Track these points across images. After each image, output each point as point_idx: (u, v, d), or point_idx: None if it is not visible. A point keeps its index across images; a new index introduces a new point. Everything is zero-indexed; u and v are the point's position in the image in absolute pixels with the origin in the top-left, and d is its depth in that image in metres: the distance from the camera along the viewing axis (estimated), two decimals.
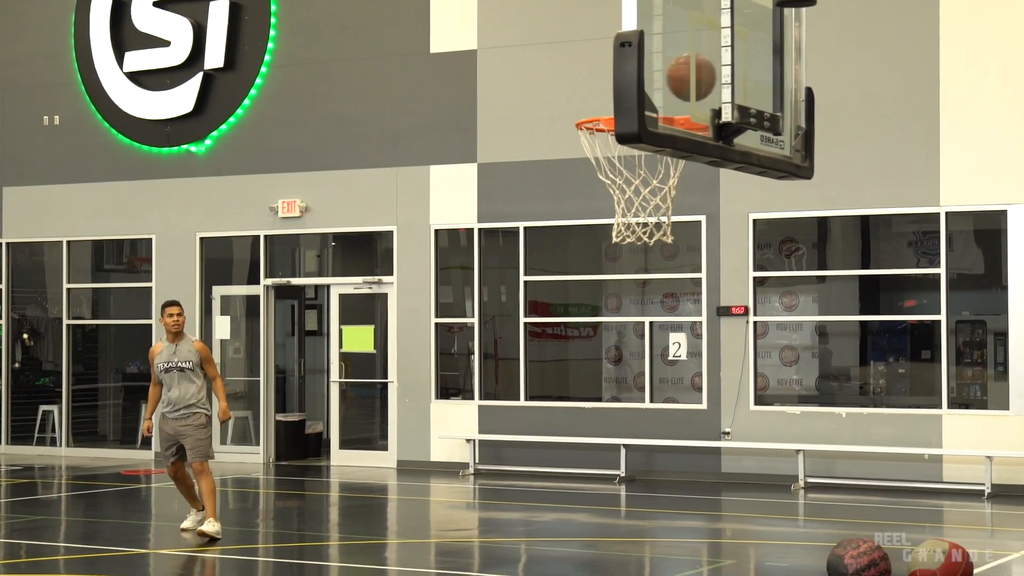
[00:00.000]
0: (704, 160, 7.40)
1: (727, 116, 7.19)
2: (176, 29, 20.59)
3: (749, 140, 7.57)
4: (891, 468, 16.70)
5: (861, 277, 18.18)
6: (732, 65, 7.18)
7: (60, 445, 21.64)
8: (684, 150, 7.11)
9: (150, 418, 13.39)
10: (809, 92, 8.01)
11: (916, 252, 17.65)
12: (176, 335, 13.03)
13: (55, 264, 21.99)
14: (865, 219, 17.77)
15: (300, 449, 20.56)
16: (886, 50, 16.97)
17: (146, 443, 21.06)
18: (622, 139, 6.70)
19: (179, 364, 12.93)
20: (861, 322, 18.40)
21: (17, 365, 22.45)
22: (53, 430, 21.83)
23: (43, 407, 22.01)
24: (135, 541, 13.14)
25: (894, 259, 18.09)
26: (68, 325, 21.77)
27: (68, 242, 21.67)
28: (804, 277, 18.46)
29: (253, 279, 20.59)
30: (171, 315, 13.01)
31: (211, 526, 12.60)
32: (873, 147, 16.93)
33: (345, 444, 19.96)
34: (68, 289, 21.75)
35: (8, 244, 22.04)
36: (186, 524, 13.16)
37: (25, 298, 22.90)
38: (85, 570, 11.34)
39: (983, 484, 15.95)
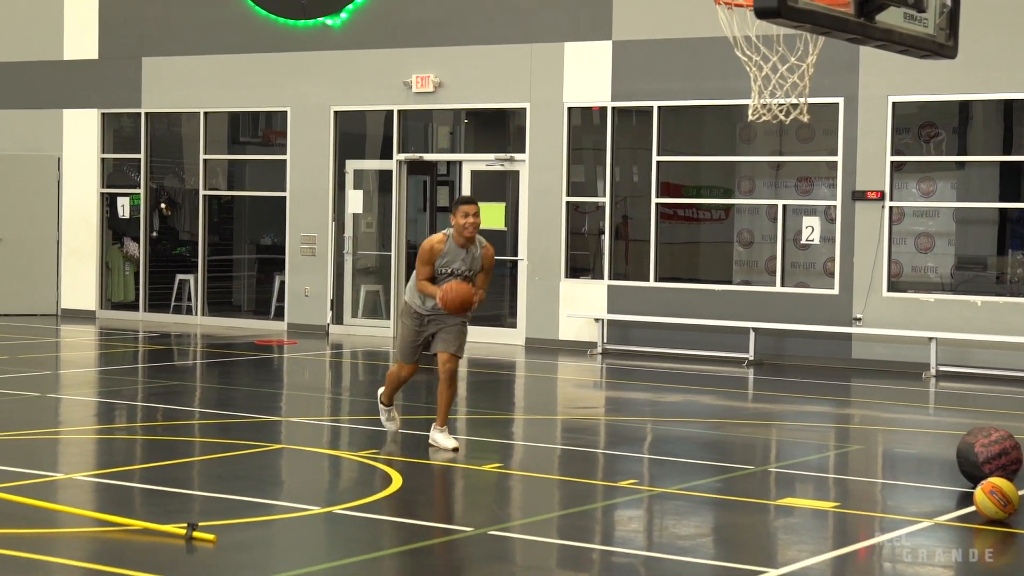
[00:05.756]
0: (844, 37, 7.23)
1: None
2: None
3: (892, 17, 7.38)
4: None
5: (1002, 164, 17.78)
6: None
7: (195, 314, 22.07)
8: (824, 26, 6.96)
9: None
10: None
11: None
12: (469, 239, 10.76)
13: (192, 135, 22.27)
14: (1008, 103, 17.34)
15: None
16: None
17: (279, 314, 21.40)
18: (761, 13, 6.57)
19: (465, 272, 10.78)
20: (1000, 209, 18.02)
21: (155, 234, 22.86)
22: (189, 299, 22.26)
23: (179, 276, 22.43)
24: (267, 408, 13.40)
25: None
26: (204, 196, 22.07)
27: (205, 113, 21.89)
28: (943, 163, 18.11)
29: (386, 154, 20.68)
30: (466, 214, 10.66)
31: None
32: (1020, 26, 16.45)
33: (474, 320, 19.84)
34: (204, 160, 22.02)
35: (147, 114, 22.33)
36: (393, 427, 11.47)
37: (163, 168, 23.27)
38: (218, 435, 11.59)
39: None
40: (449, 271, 10.71)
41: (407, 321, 11.06)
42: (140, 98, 22.24)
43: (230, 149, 23.00)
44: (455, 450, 10.72)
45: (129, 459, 10.82)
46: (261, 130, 23.28)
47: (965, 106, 17.73)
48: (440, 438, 10.87)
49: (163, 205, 22.98)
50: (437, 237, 10.85)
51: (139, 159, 22.42)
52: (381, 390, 11.45)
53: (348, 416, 13.05)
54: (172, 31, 21.93)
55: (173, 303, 22.39)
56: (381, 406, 11.45)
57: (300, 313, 20.98)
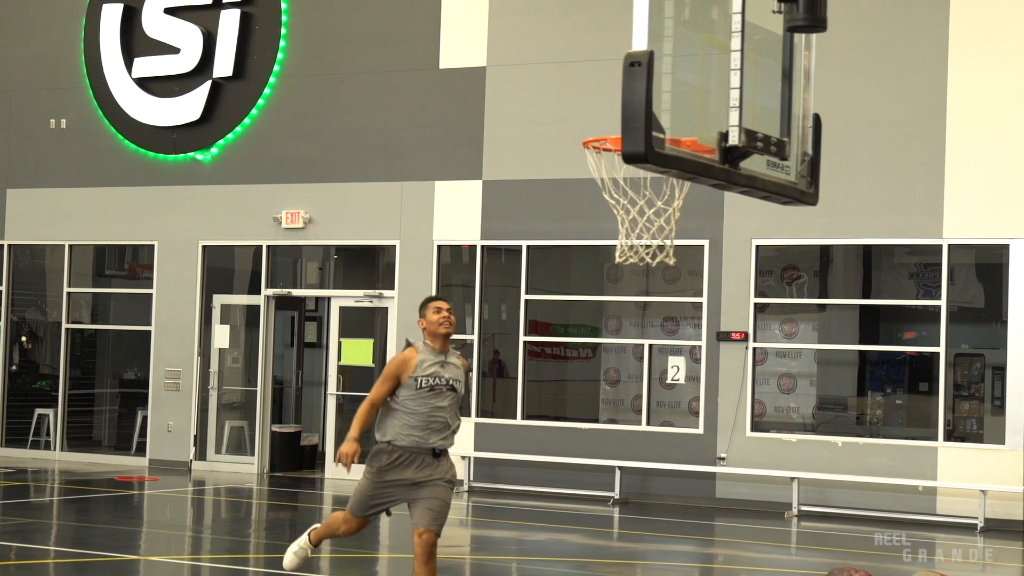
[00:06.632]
0: (709, 183, 7.38)
1: (734, 139, 7.17)
2: (186, 37, 20.63)
3: (755, 164, 7.55)
4: (885, 499, 16.67)
5: (861, 307, 18.18)
6: (741, 89, 7.17)
7: (54, 449, 21.61)
8: (690, 172, 7.09)
9: (357, 439, 8.83)
10: (816, 118, 8.01)
11: (917, 284, 17.66)
12: (446, 340, 9.08)
13: (56, 267, 21.99)
14: (867, 249, 17.79)
15: (295, 461, 20.54)
16: (894, 79, 17.00)
17: (140, 449, 21.02)
18: (629, 159, 6.68)
19: (452, 382, 8.95)
20: (860, 352, 18.39)
21: (14, 368, 22.43)
22: (48, 434, 21.80)
23: (39, 410, 21.99)
24: (126, 547, 13.11)
25: (895, 290, 18.10)
26: (67, 329, 21.75)
27: (70, 246, 21.66)
28: (804, 305, 18.46)
29: (254, 289, 20.59)
30: (439, 309, 9.00)
31: None
32: (878, 176, 16.94)
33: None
34: (68, 293, 21.74)
35: (10, 246, 22.04)
36: (296, 562, 9.58)
37: (25, 301, 22.90)
38: (75, 574, 11.31)
39: (976, 518, 15.93)
40: (433, 383, 8.81)
41: (372, 465, 8.93)
42: (3, 230, 21.94)
43: (95, 282, 22.72)
44: None
45: None
46: (127, 263, 23.06)
47: (826, 250, 18.15)
48: None
49: (24, 338, 22.58)
50: (408, 351, 8.95)
51: (0, 291, 22.06)
52: (315, 526, 9.53)
53: (209, 555, 12.80)
54: (38, 163, 21.76)
55: (31, 438, 21.90)
56: (305, 540, 9.44)
57: (162, 449, 20.65)
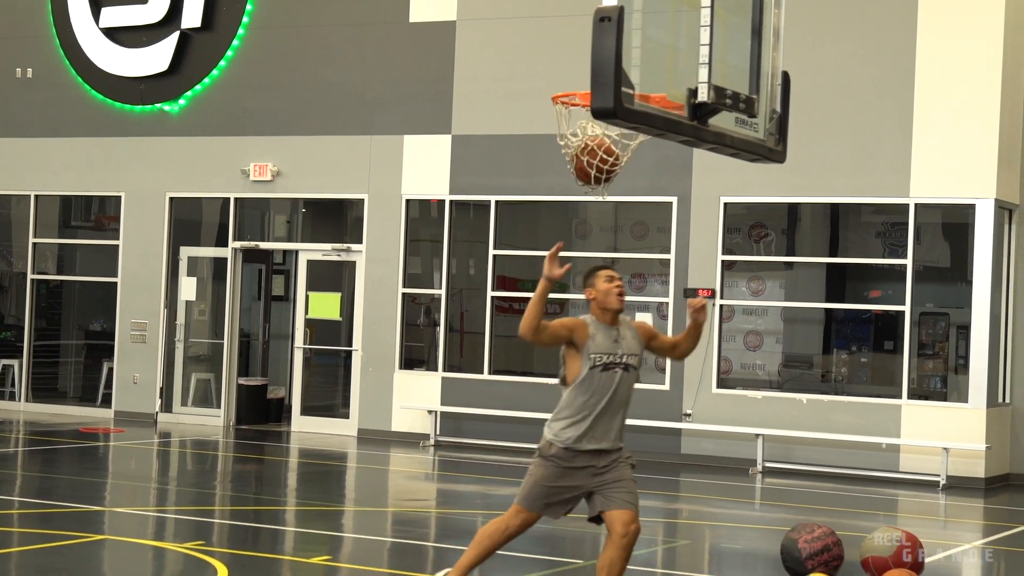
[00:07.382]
0: (678, 139, 7.40)
1: (703, 96, 7.20)
2: None
3: (724, 121, 7.58)
4: (849, 456, 16.79)
5: (828, 265, 18.24)
6: (710, 45, 7.19)
7: (19, 400, 21.54)
8: (659, 128, 7.12)
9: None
10: (785, 77, 8.03)
11: (884, 243, 17.74)
12: (616, 316, 8.18)
13: (22, 218, 21.86)
14: (835, 207, 17.85)
15: (261, 414, 20.52)
16: (863, 40, 17.01)
17: (106, 401, 20.98)
18: (598, 114, 6.69)
19: (626, 360, 8.09)
20: (826, 310, 18.48)
21: None
22: (13, 385, 21.73)
23: (4, 361, 21.90)
24: (91, 498, 13.11)
25: (862, 249, 18.17)
26: (32, 280, 21.65)
27: (36, 196, 21.53)
28: (772, 263, 18.52)
29: (221, 241, 20.51)
30: (611, 278, 8.13)
31: None
32: (846, 136, 16.98)
33: (306, 411, 19.93)
34: (34, 244, 21.63)
35: None
36: None
37: None
38: (39, 525, 11.31)
39: (939, 475, 16.05)
40: (606, 361, 7.96)
41: (544, 465, 8.12)
42: None
43: (61, 233, 22.60)
44: None
45: None
46: (94, 214, 22.94)
47: (794, 208, 18.19)
48: None
49: None
50: (580, 318, 8.16)
51: None
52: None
53: (174, 506, 12.81)
54: (4, 112, 21.59)
55: None
56: None
57: (128, 400, 20.61)
